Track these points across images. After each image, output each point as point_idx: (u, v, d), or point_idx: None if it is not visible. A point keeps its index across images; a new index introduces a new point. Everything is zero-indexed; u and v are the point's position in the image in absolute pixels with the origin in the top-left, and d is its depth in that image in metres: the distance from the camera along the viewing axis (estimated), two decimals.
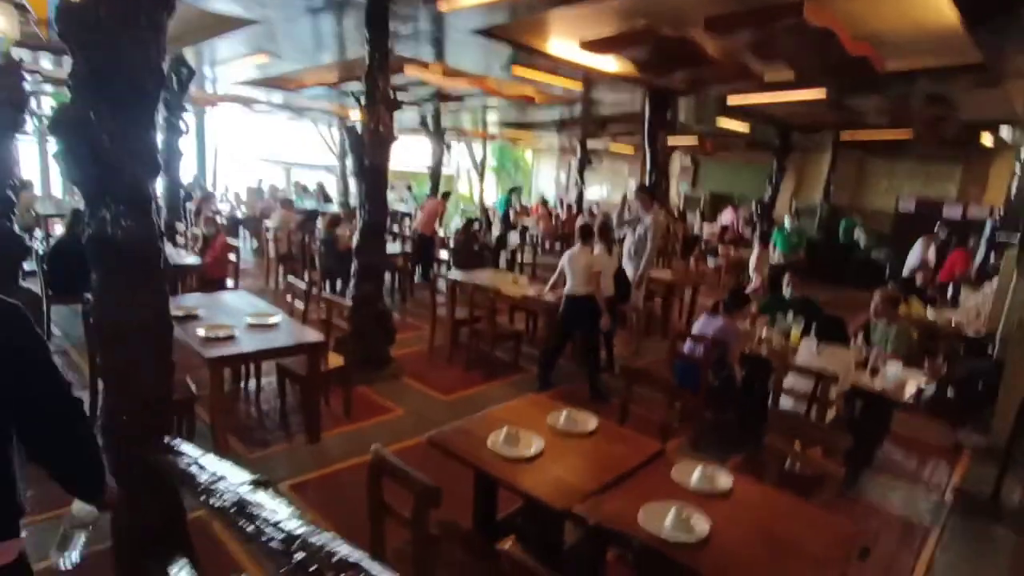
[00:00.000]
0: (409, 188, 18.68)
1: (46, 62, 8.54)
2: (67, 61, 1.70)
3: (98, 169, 1.68)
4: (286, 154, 22.20)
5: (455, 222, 12.48)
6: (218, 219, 10.24)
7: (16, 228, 4.56)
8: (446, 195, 11.47)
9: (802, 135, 11.31)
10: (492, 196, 21.48)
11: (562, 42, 5.93)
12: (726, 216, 13.30)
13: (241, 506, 1.29)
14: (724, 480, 2.50)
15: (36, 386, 1.29)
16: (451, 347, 6.19)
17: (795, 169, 13.52)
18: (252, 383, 5.08)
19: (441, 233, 10.23)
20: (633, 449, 2.84)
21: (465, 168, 23.63)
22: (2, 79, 3.89)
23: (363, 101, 5.11)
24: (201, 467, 1.54)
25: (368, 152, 5.11)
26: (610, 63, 6.47)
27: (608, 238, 5.49)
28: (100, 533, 1.97)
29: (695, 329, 4.66)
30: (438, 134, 12.34)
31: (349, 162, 17.23)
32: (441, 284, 6.67)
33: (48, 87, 11.18)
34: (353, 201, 15.22)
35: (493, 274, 7.14)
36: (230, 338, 3.91)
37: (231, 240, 7.52)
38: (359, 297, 5.37)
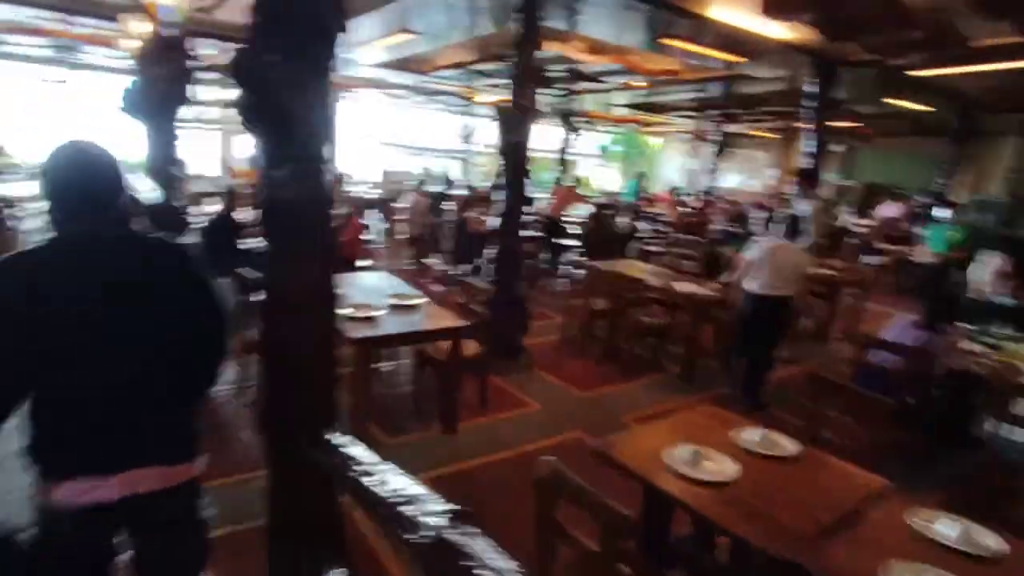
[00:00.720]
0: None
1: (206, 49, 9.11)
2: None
3: (276, 118, 1.46)
4: (412, 140, 22.85)
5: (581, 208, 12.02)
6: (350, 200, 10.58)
7: (175, 203, 4.73)
8: (580, 181, 11.06)
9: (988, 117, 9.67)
10: (613, 183, 20.75)
11: (725, 7, 5.28)
12: (887, 209, 11.74)
13: (442, 546, 0.98)
14: (991, 541, 1.92)
15: (212, 314, 1.50)
16: (585, 339, 5.80)
17: (970, 157, 11.67)
18: (385, 365, 5.00)
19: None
20: (847, 483, 2.31)
21: (586, 153, 23.02)
22: (170, 52, 4.00)
23: (511, 76, 4.80)
24: (378, 479, 1.26)
25: (512, 129, 4.81)
26: (777, 30, 5.71)
27: (796, 231, 4.81)
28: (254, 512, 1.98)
29: (889, 336, 3.92)
30: (567, 117, 11.91)
31: (473, 146, 17.44)
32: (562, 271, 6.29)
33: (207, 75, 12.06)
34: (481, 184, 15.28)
35: (632, 264, 6.63)
36: (374, 319, 3.77)
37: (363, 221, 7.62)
38: (496, 282, 5.13)
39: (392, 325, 3.79)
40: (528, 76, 4.74)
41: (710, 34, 5.92)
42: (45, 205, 1.35)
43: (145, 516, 1.41)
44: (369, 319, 3.75)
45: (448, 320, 3.97)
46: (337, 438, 1.65)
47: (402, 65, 9.22)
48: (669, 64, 7.92)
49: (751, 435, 2.54)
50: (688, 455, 2.32)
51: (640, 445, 2.55)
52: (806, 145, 7.25)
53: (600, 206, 9.21)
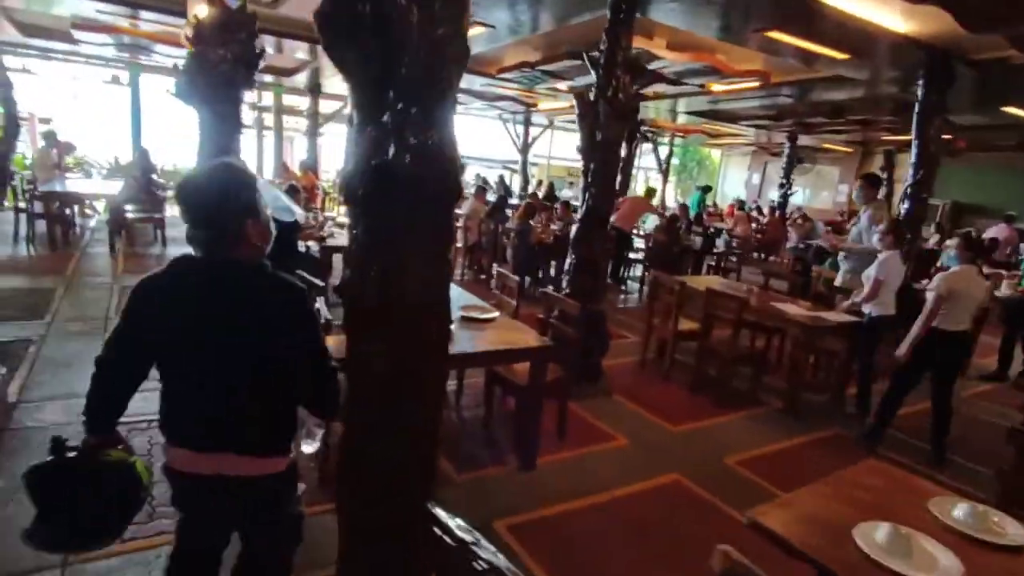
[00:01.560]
0: (571, 184, 17.96)
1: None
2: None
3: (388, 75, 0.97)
4: (464, 149, 22.68)
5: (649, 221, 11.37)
6: None
7: None
8: (650, 192, 10.43)
9: None
10: (669, 197, 19.97)
11: None
12: (995, 231, 10.64)
13: None
14: None
15: (312, 349, 1.62)
16: (668, 363, 5.17)
17: None
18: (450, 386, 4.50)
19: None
20: None
21: (643, 165, 22.36)
22: (236, 32, 3.63)
23: (601, 63, 4.27)
24: None
25: (601, 124, 4.27)
26: (895, 20, 5.00)
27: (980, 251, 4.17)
28: None
29: None
30: (634, 123, 11.30)
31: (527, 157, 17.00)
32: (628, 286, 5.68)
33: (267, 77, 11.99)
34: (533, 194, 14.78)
35: (722, 281, 5.95)
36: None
37: None
38: (572, 296, 4.57)
39: (466, 342, 3.27)
40: (622, 64, 4.20)
41: (818, 25, 5.25)
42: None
43: (236, 497, 1.62)
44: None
45: (530, 338, 3.43)
46: (440, 512, 1.13)
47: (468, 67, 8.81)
48: (758, 64, 7.27)
49: (962, 512, 1.90)
50: (890, 539, 1.71)
51: (806, 516, 1.94)
52: (911, 159, 6.46)
53: (673, 218, 8.56)
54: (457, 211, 9.19)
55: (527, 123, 15.21)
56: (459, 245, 8.48)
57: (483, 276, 8.29)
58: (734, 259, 9.08)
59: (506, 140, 16.72)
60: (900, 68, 6.47)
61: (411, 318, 1.15)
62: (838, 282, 5.58)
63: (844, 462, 2.45)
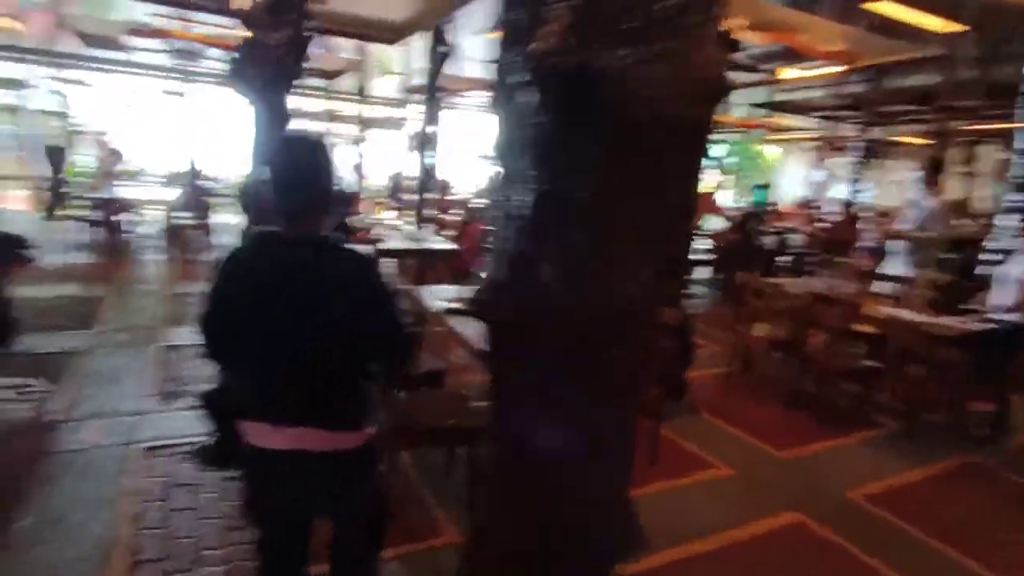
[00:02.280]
0: None
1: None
2: None
3: None
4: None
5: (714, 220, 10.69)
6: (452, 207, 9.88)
7: None
8: (713, 190, 9.81)
9: None
10: (724, 197, 19.09)
11: None
12: None
13: None
14: None
15: (384, 321, 1.60)
16: (755, 376, 4.62)
17: None
18: None
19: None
20: None
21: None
22: (287, 12, 3.29)
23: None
24: None
25: (683, 100, 3.76)
26: None
27: None
28: None
29: None
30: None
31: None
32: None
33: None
34: None
35: (825, 283, 5.31)
36: None
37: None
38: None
39: None
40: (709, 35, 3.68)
41: None
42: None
43: (314, 474, 1.59)
44: None
45: None
46: None
47: None
48: (841, 44, 6.60)
49: None
50: None
51: None
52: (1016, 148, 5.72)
53: (746, 216, 7.92)
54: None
55: None
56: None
57: None
58: (804, 260, 8.39)
59: None
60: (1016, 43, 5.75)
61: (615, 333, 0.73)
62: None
63: (983, 495, 1.93)
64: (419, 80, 11.01)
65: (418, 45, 8.04)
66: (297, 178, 1.52)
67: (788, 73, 8.04)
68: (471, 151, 20.05)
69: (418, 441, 2.79)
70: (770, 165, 20.55)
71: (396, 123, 13.72)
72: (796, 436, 3.94)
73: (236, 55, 3.42)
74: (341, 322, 1.54)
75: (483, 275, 5.10)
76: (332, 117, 14.79)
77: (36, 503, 2.61)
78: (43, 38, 9.22)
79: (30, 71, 12.00)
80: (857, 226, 11.31)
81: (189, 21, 7.37)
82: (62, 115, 10.62)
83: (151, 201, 8.94)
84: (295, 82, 3.54)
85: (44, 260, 7.05)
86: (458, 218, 6.79)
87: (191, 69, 11.96)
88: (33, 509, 2.57)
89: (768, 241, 8.61)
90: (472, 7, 6.27)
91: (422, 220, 7.35)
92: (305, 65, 3.61)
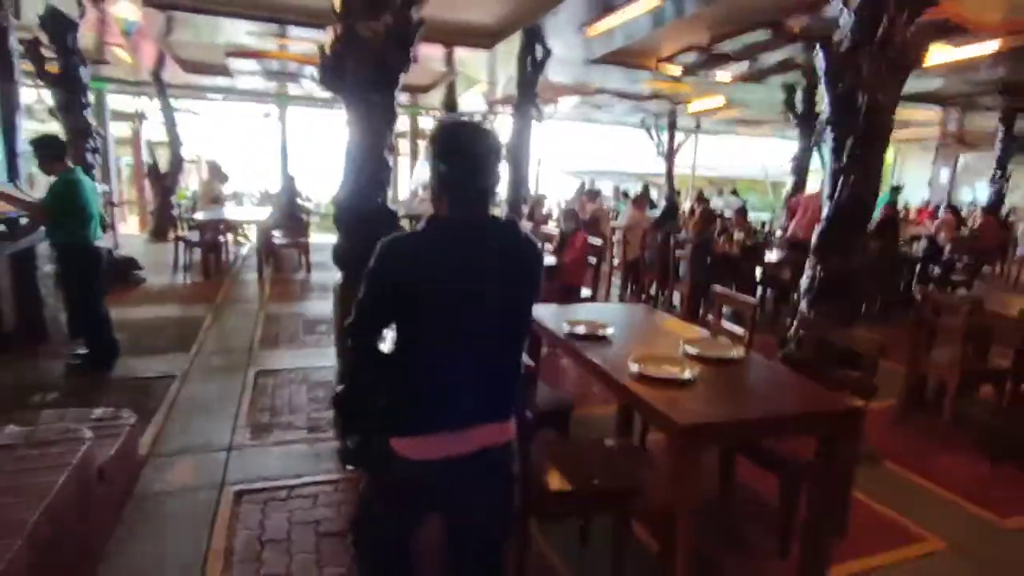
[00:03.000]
0: (734, 193, 16.13)
1: None
2: None
3: None
4: (593, 163, 21.66)
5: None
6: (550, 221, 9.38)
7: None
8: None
9: None
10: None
11: None
12: None
13: None
14: None
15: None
16: (947, 414, 3.73)
17: None
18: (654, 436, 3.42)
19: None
20: None
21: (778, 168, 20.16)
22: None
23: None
24: None
25: (866, 81, 3.04)
26: None
27: None
28: None
29: None
30: (807, 119, 9.62)
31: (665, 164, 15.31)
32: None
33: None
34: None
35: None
36: (687, 384, 2.20)
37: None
38: (813, 323, 3.34)
39: (717, 398, 2.19)
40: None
41: None
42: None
43: (494, 469, 1.50)
44: (682, 384, 2.18)
45: (816, 394, 2.26)
46: None
47: (619, 58, 7.79)
48: (1001, 12, 5.54)
49: None
50: None
51: None
52: None
53: (885, 221, 6.88)
54: (613, 224, 8.16)
55: (672, 127, 13.83)
56: (616, 262, 7.43)
57: (644, 297, 7.17)
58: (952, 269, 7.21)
59: (639, 150, 15.49)
60: None
61: None
62: None
63: None
64: (501, 88, 10.69)
65: (506, 51, 7.66)
66: (485, 161, 1.40)
67: (936, 56, 6.95)
68: (559, 162, 19.51)
69: (546, 508, 2.18)
70: (890, 165, 18.68)
71: None
72: (1018, 498, 3.06)
73: (329, 51, 3.03)
74: (522, 303, 1.49)
75: (586, 291, 4.46)
76: (417, 135, 14.79)
77: (113, 560, 2.27)
78: (152, 67, 9.61)
79: (144, 102, 12.82)
80: (1004, 230, 9.82)
81: (285, 38, 7.33)
82: (171, 142, 11.09)
83: (250, 221, 9.02)
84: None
85: (149, 281, 7.18)
86: (554, 229, 6.22)
87: (287, 92, 12.29)
88: (110, 568, 2.23)
89: (910, 249, 7.48)
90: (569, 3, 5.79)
91: None
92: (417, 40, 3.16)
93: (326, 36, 3.18)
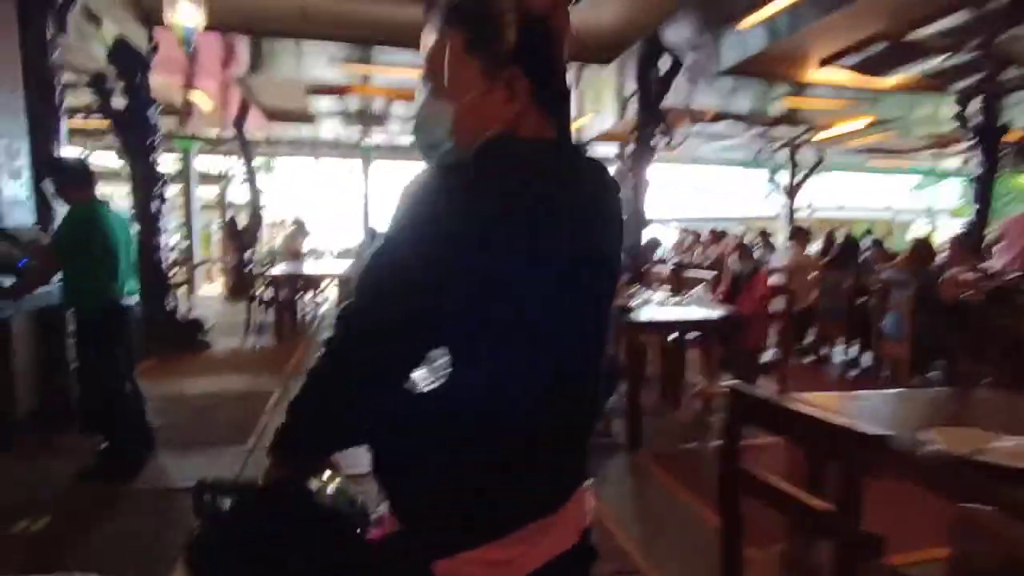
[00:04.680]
0: (868, 233, 14.01)
1: None
2: None
3: None
4: (680, 208, 20.02)
5: None
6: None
7: None
8: None
9: None
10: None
11: None
12: None
13: None
14: None
15: None
16: None
17: None
18: None
19: None
20: None
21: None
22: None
23: None
24: None
25: None
26: None
27: None
28: None
29: None
30: (991, 134, 7.76)
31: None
32: None
33: None
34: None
35: None
36: None
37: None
38: None
39: None
40: None
41: None
42: None
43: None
44: None
45: None
46: None
47: (755, 67, 6.38)
48: None
49: None
50: None
51: None
52: None
53: None
54: (768, 266, 6.56)
55: (793, 157, 12.06)
56: (777, 310, 5.79)
57: (816, 357, 5.48)
58: None
59: (732, 191, 13.81)
60: None
61: None
62: None
63: None
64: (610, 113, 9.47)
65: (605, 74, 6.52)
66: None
67: None
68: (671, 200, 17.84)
69: None
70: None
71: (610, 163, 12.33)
72: None
73: None
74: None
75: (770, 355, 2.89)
76: None
77: None
78: (234, 116, 9.13)
79: (229, 162, 12.62)
80: None
81: (370, 64, 6.49)
82: (251, 196, 10.62)
83: (331, 275, 8.13)
84: None
85: (217, 345, 6.23)
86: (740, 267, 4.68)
87: (370, 139, 11.70)
88: None
89: None
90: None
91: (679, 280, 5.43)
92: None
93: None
